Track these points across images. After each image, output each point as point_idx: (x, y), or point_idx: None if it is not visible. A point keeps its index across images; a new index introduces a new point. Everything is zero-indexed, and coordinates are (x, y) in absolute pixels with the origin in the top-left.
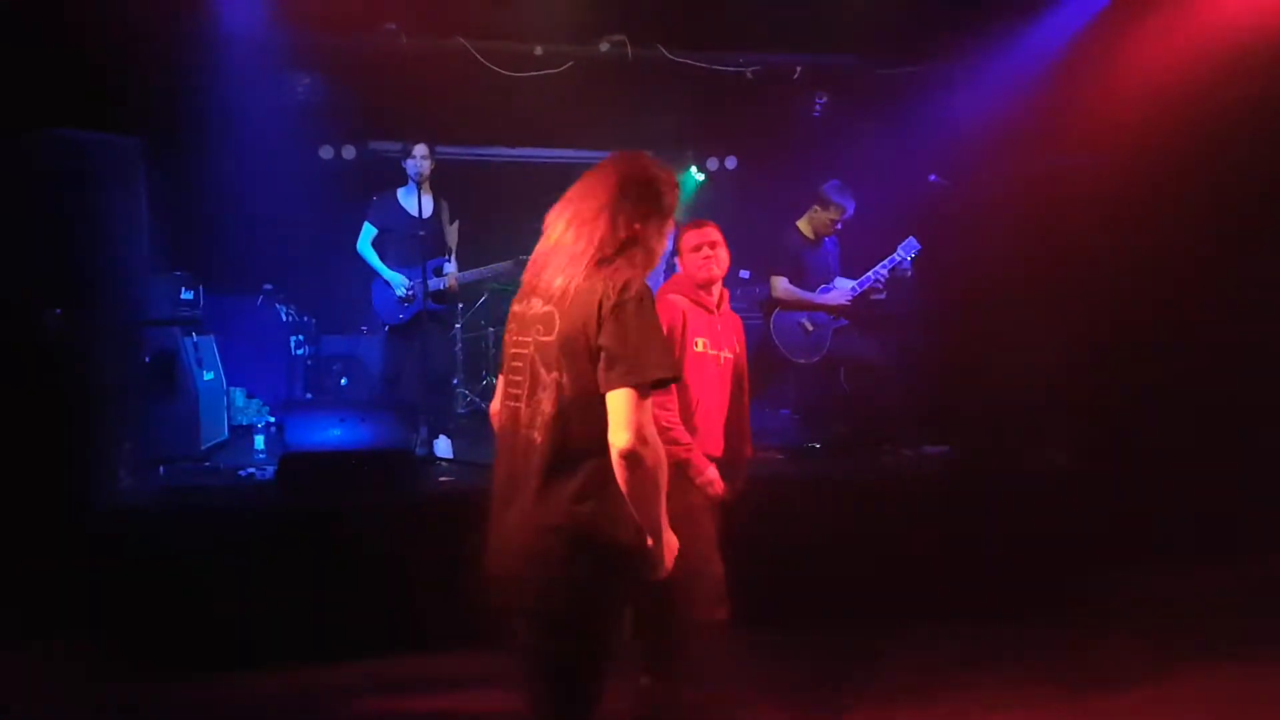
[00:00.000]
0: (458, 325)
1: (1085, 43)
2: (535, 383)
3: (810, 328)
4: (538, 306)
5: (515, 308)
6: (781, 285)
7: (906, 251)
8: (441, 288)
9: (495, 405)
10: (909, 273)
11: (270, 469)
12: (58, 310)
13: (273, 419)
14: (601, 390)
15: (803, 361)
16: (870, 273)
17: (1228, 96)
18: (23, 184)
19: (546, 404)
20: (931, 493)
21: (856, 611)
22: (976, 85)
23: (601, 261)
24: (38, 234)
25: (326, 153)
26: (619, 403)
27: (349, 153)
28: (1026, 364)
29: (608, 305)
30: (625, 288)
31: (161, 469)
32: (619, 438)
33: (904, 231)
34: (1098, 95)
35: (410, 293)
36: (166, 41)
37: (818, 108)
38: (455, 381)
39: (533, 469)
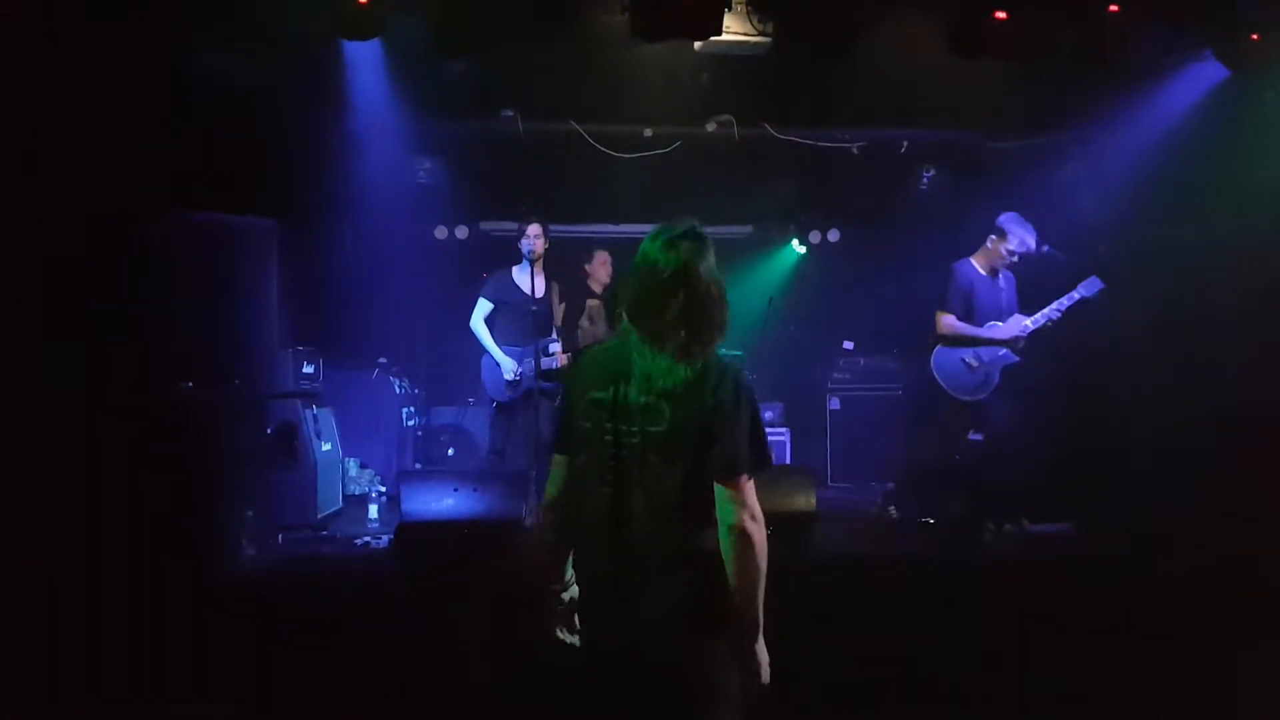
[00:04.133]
0: None
1: (1203, 113)
2: (646, 471)
3: (975, 364)
4: (636, 396)
5: (597, 395)
6: (946, 321)
7: (1088, 290)
8: (552, 367)
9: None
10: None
11: (385, 538)
12: (189, 384)
13: (383, 489)
14: (720, 477)
15: (967, 399)
16: (1047, 309)
17: None
18: (170, 263)
19: (662, 492)
20: (1049, 573)
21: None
22: (1091, 156)
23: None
24: (182, 311)
25: (441, 233)
26: (741, 486)
27: (461, 232)
28: (1157, 441)
29: (724, 392)
30: (738, 374)
31: (280, 537)
32: (739, 517)
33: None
34: (1220, 165)
35: (517, 378)
36: (304, 130)
37: (925, 181)
38: None
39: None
